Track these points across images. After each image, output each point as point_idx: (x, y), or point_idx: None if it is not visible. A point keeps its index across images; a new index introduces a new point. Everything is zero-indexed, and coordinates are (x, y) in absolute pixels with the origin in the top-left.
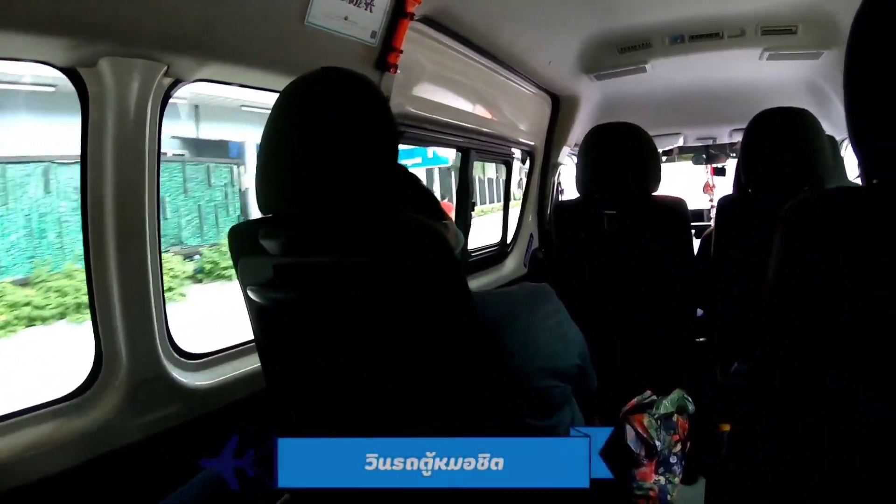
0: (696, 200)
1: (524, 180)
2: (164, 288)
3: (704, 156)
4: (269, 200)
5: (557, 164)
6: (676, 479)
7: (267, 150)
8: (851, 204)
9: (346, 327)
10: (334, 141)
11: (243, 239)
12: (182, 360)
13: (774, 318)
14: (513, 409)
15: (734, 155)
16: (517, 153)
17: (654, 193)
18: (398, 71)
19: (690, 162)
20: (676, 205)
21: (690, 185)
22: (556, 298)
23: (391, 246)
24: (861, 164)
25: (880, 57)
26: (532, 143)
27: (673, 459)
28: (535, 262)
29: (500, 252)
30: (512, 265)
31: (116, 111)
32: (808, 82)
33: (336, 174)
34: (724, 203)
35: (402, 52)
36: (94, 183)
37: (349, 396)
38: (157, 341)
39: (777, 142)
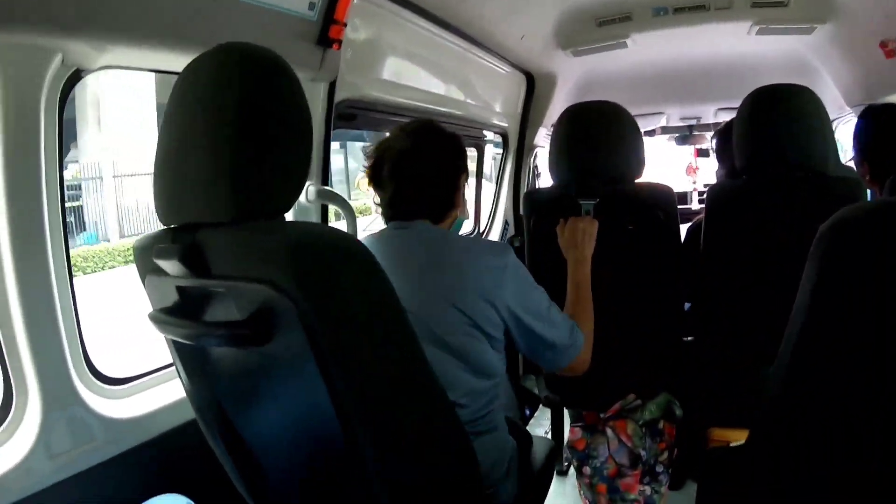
0: (680, 182)
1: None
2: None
3: (688, 136)
4: (167, 209)
5: (534, 147)
6: (663, 489)
7: (161, 150)
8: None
9: (264, 361)
10: (237, 134)
11: (148, 255)
12: (103, 385)
13: (814, 347)
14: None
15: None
16: (489, 136)
17: (638, 180)
18: (349, 48)
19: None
20: (663, 193)
21: (673, 165)
22: (511, 255)
23: (308, 269)
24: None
25: None
26: (505, 125)
27: (659, 468)
28: None
29: None
30: None
31: (5, 106)
32: (799, 59)
33: (235, 174)
34: (716, 191)
35: (345, 25)
36: None
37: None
38: (70, 365)
39: (776, 122)
